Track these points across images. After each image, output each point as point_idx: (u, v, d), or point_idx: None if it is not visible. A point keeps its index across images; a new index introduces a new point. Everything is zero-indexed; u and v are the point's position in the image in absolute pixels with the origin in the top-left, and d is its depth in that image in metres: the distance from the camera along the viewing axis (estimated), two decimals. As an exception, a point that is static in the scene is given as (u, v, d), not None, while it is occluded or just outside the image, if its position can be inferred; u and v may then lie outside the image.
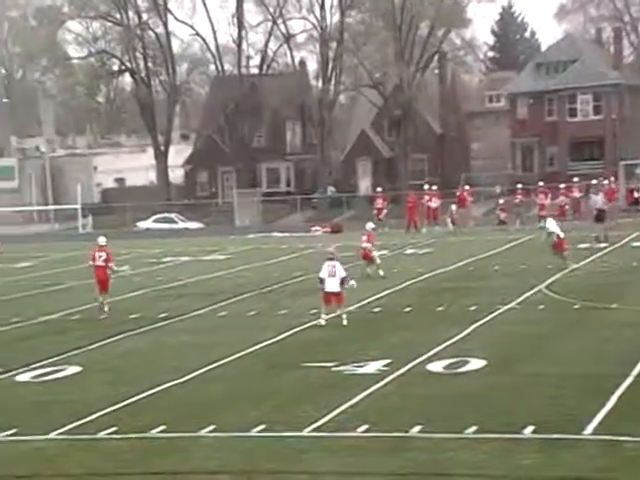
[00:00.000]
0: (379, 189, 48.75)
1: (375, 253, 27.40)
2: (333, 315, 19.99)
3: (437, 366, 15.30)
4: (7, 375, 16.27)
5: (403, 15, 61.47)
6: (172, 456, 11.38)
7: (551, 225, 27.02)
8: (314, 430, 12.08)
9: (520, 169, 65.59)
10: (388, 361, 15.71)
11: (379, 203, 46.37)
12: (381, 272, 26.88)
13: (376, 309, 21.75)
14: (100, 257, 23.07)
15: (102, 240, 23.59)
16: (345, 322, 19.69)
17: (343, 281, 19.86)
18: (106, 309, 22.63)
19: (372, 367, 15.42)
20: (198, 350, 17.66)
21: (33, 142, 72.59)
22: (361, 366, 15.51)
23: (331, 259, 20.08)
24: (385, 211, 45.73)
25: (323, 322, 19.68)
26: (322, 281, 19.83)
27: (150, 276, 30.20)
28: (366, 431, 11.90)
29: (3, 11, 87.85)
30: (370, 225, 28.37)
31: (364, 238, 27.40)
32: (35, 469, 11.14)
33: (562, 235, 26.71)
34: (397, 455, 10.99)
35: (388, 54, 62.64)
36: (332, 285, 19.73)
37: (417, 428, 11.85)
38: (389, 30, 62.30)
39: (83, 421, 12.97)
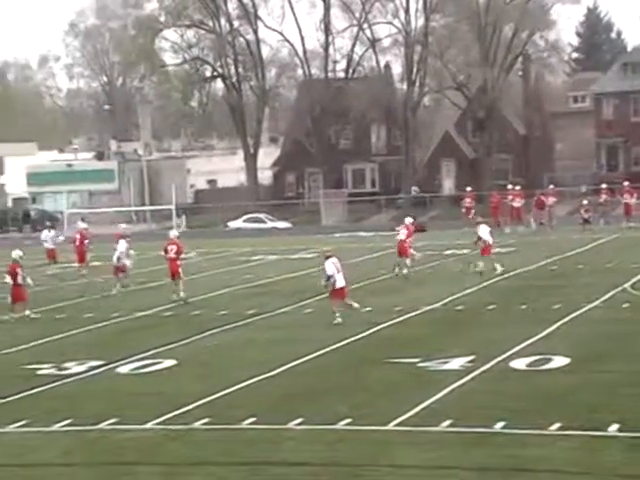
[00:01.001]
0: (469, 188, 48.54)
1: (412, 250, 27.63)
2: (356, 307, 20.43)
3: (520, 363, 15.37)
4: (109, 367, 16.92)
5: (487, 18, 61.18)
6: (262, 447, 11.71)
7: (483, 231, 27.59)
8: (399, 424, 12.28)
9: (605, 169, 64.57)
10: (472, 358, 15.86)
11: (467, 202, 46.26)
12: (405, 271, 26.95)
13: (459, 307, 21.87)
14: (172, 250, 24.39)
15: (173, 234, 25.00)
16: (357, 305, 20.31)
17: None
18: (182, 295, 24.03)
19: (456, 363, 15.59)
20: (286, 345, 18.05)
21: (131, 146, 74.58)
22: (445, 362, 15.69)
23: (330, 257, 20.56)
24: (474, 210, 45.67)
25: (340, 320, 20.13)
26: (330, 278, 20.30)
27: (239, 274, 30.74)
28: (450, 426, 12.05)
29: (105, 22, 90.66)
30: (409, 219, 28.58)
31: (403, 232, 27.49)
32: (134, 457, 11.61)
33: (491, 242, 27.58)
34: (480, 450, 11.12)
35: (472, 56, 62.47)
36: (341, 280, 20.37)
37: (500, 424, 11.97)
38: (473, 33, 62.11)
39: (178, 412, 13.40)
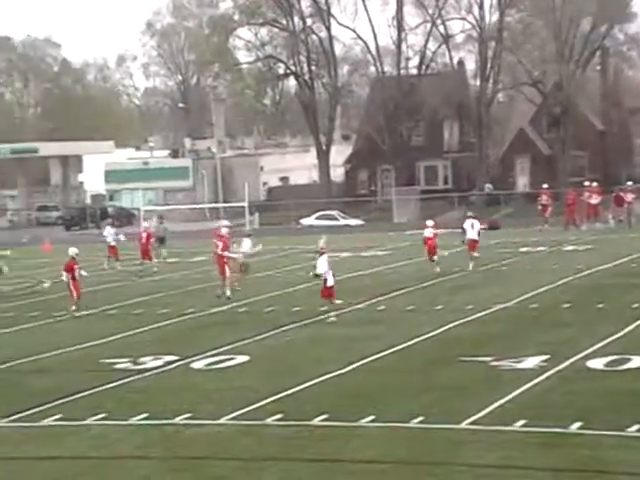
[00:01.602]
0: (545, 185, 47.84)
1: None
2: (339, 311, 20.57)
3: (598, 363, 15.14)
4: (183, 362, 17.14)
5: (563, 12, 60.17)
6: (333, 444, 11.73)
7: (467, 227, 28.50)
8: (472, 423, 12.20)
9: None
10: (547, 357, 15.67)
11: (544, 199, 45.62)
12: (437, 269, 27.50)
13: (534, 305, 21.62)
14: (218, 246, 25.15)
15: (224, 230, 25.78)
16: (334, 319, 20.39)
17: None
18: (220, 291, 24.55)
19: (530, 362, 15.43)
20: (358, 342, 18.06)
21: (205, 144, 75.54)
22: (519, 361, 15.53)
23: (324, 253, 20.66)
24: (550, 208, 45.03)
25: (335, 319, 20.46)
26: (320, 275, 20.45)
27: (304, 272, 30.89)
28: (524, 426, 11.92)
29: (180, 21, 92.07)
30: (430, 222, 29.30)
31: (431, 231, 28.35)
32: (208, 452, 11.72)
33: (477, 238, 28.37)
34: (556, 451, 10.97)
35: (548, 52, 61.52)
36: (331, 279, 20.55)
37: (577, 424, 11.79)
38: (549, 28, 61.15)
39: (251, 408, 13.51)
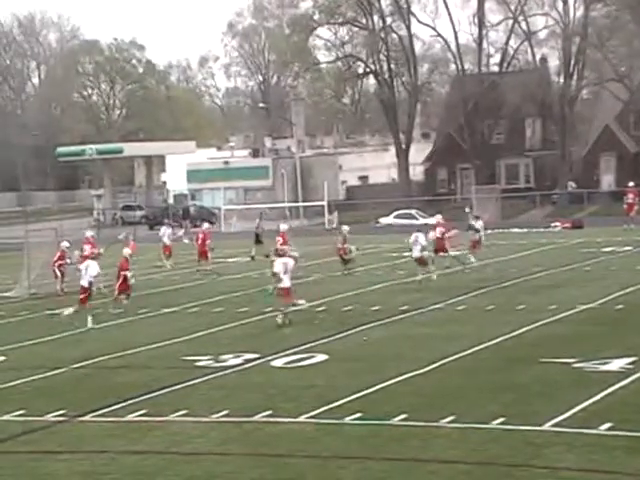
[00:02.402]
0: (631, 184, 46.76)
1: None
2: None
3: (685, 366, 14.80)
4: (263, 360, 17.27)
5: (654, 5, 58.76)
6: (412, 444, 11.69)
7: (481, 228, 29.03)
8: (554, 425, 12.03)
9: None
10: (633, 359, 15.36)
11: (630, 198, 44.59)
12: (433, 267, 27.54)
13: (619, 306, 21.19)
14: (278, 241, 26.10)
15: (283, 227, 26.83)
16: (280, 321, 20.46)
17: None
18: (270, 289, 24.91)
19: (615, 364, 15.14)
20: (437, 342, 17.98)
21: (285, 143, 76.10)
22: (604, 363, 15.26)
23: (282, 255, 20.84)
24: (636, 207, 43.99)
25: (280, 321, 20.50)
26: (276, 275, 20.52)
27: (392, 270, 30.77)
28: (610, 429, 11.72)
29: (261, 22, 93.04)
30: (439, 216, 29.45)
31: (439, 229, 28.35)
32: (287, 450, 11.79)
33: (481, 239, 28.89)
34: (642, 455, 10.76)
35: (635, 46, 60.07)
36: (287, 281, 20.58)
37: (666, 429, 11.55)
38: (637, 21, 59.70)
39: (330, 406, 13.56)
